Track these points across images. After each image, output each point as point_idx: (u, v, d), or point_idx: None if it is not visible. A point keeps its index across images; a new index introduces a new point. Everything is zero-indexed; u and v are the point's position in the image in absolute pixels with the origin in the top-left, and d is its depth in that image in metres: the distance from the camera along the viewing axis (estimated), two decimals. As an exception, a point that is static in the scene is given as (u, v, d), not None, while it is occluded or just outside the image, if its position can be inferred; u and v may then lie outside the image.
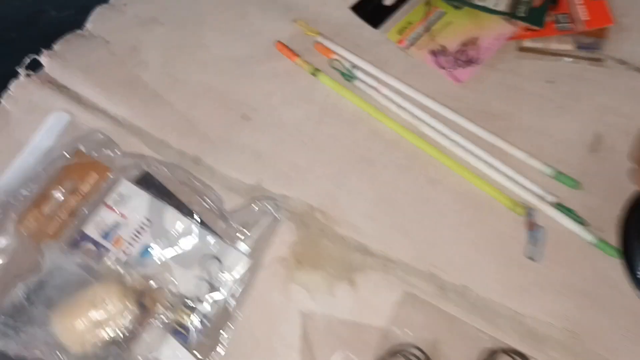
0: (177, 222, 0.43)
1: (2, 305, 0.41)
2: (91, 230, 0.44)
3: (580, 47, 0.53)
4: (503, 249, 0.46)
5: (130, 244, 0.44)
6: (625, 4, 0.55)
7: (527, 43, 0.53)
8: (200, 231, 0.43)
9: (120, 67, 0.53)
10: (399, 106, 0.51)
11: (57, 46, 0.53)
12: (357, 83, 0.52)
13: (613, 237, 0.46)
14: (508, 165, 0.49)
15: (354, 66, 0.53)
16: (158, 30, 0.55)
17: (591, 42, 0.53)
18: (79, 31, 0.55)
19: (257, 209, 0.44)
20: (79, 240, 0.44)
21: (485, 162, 0.49)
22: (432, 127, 0.50)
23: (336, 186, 0.49)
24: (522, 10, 0.53)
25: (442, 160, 0.49)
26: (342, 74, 0.53)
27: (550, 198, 0.47)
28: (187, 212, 0.44)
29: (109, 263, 0.42)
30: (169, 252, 0.43)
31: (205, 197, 0.45)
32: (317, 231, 0.46)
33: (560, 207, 0.46)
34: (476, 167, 0.49)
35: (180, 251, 0.42)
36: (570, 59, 0.52)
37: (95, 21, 0.55)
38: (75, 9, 0.85)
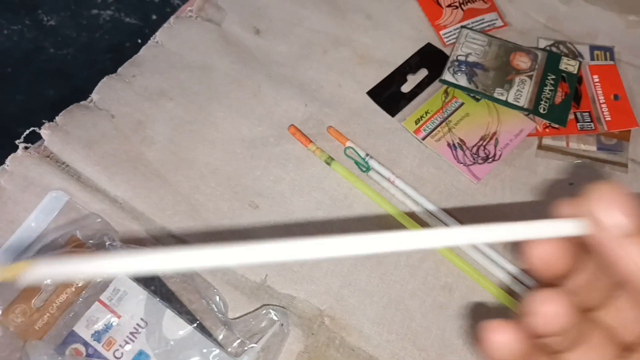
0: (177, 329, 0.40)
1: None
2: (82, 330, 0.41)
3: (601, 148, 0.51)
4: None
5: (122, 347, 0.41)
6: (647, 105, 0.54)
7: (547, 141, 0.52)
8: (202, 341, 0.40)
9: (125, 143, 0.51)
10: (414, 201, 0.49)
11: (59, 118, 0.50)
12: (370, 173, 0.50)
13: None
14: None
15: (369, 155, 0.51)
16: (166, 104, 0.53)
17: (613, 145, 0.51)
18: (83, 102, 0.52)
19: (263, 320, 0.41)
20: (67, 339, 0.41)
21: (503, 268, 0.47)
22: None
23: (345, 285, 0.46)
24: (543, 107, 0.52)
25: (455, 263, 0.47)
26: (357, 163, 0.51)
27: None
28: (188, 317, 0.41)
29: (99, 373, 0.39)
30: (166, 362, 0.40)
31: (208, 300, 0.42)
32: (324, 340, 0.43)
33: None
34: (493, 274, 0.47)
35: (178, 363, 0.39)
36: (592, 161, 0.51)
37: (101, 92, 0.53)
38: (74, 47, 0.83)
